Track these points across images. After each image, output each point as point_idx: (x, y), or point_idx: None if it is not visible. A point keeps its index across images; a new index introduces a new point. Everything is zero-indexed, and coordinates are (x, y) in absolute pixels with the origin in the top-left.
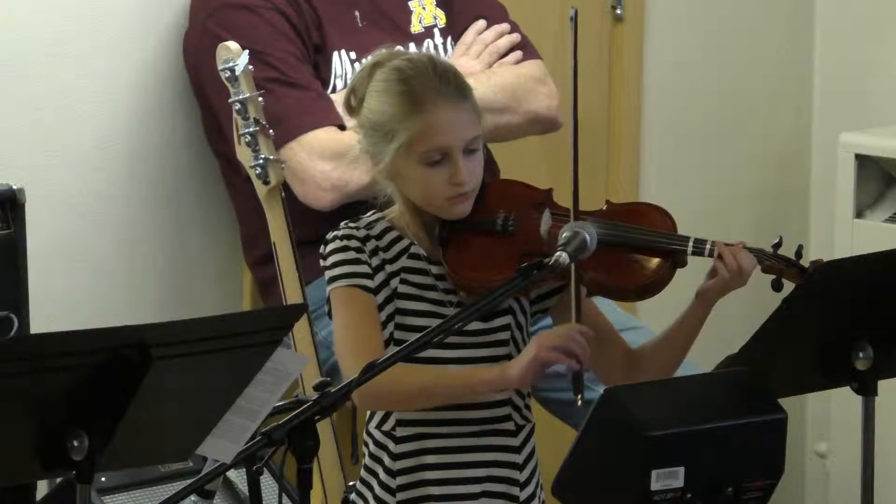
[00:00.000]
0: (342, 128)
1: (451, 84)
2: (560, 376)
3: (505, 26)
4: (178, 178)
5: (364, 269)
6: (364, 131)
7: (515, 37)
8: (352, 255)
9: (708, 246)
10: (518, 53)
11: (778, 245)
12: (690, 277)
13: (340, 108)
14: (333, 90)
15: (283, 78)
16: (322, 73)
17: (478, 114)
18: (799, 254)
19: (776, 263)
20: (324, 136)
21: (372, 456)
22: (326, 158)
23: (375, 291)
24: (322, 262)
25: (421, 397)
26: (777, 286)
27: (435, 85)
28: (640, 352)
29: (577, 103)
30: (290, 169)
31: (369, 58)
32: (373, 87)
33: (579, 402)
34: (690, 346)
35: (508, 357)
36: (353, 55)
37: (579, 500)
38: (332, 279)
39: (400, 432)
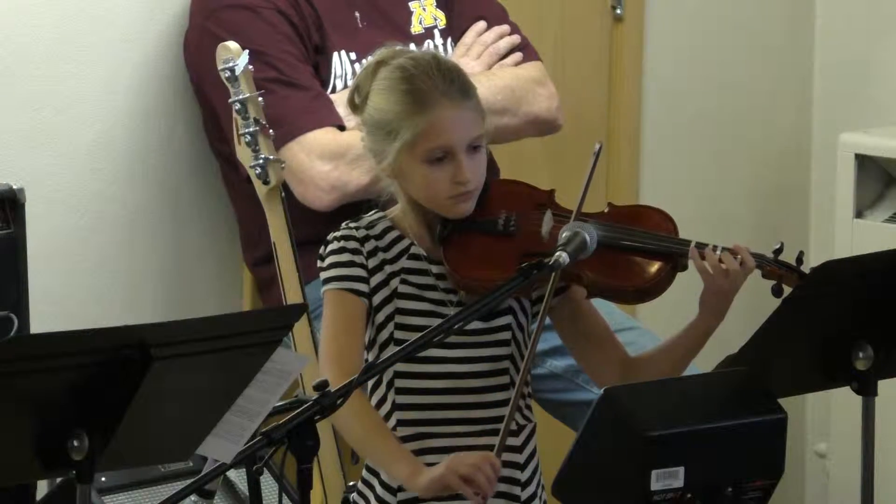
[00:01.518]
0: (342, 128)
1: (454, 83)
2: (557, 377)
3: (505, 28)
4: (178, 178)
5: (358, 272)
6: (367, 129)
7: (515, 38)
8: (346, 257)
9: (708, 250)
10: (518, 55)
11: (779, 251)
12: (691, 280)
13: (342, 108)
14: (333, 90)
15: (282, 78)
16: (322, 73)
17: (481, 113)
18: (800, 260)
19: (776, 269)
20: (323, 137)
21: None
22: (326, 159)
23: (373, 292)
24: (319, 263)
25: (354, 443)
26: (777, 292)
27: (439, 84)
28: (638, 361)
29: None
30: (290, 169)
31: (373, 56)
32: (376, 85)
33: None
34: (692, 358)
35: (509, 357)
36: (353, 56)
37: (579, 500)
38: (326, 280)
39: (401, 432)
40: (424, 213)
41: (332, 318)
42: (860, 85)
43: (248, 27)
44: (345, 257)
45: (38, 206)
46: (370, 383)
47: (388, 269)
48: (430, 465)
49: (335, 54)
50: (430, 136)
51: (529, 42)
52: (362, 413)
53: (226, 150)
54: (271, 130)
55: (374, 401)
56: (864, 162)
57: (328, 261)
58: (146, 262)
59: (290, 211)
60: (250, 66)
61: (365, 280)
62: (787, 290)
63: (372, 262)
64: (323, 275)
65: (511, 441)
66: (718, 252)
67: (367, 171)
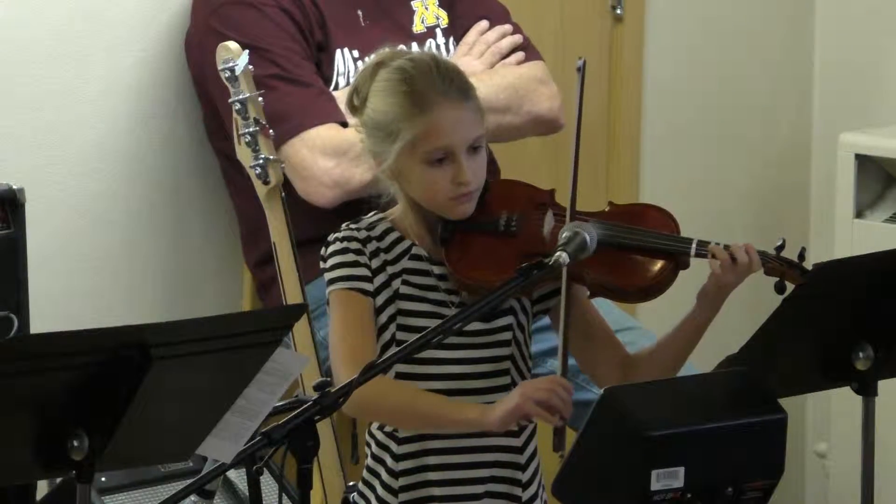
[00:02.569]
0: (344, 125)
1: (454, 84)
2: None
3: (507, 27)
4: (179, 177)
5: (362, 271)
6: (367, 131)
7: (518, 38)
8: (351, 257)
9: (711, 247)
10: (520, 54)
11: (781, 247)
12: (692, 280)
13: (343, 107)
14: (336, 88)
15: (285, 75)
16: (325, 70)
17: (481, 113)
18: (802, 256)
19: (779, 266)
20: (326, 133)
21: (374, 457)
22: (329, 155)
23: (376, 293)
24: (322, 264)
25: (405, 418)
26: (780, 288)
27: (438, 85)
28: (638, 357)
29: (579, 149)
30: (292, 165)
31: (372, 57)
32: (376, 87)
33: (561, 458)
34: (690, 352)
35: (510, 357)
36: (355, 53)
37: (579, 500)
38: (331, 281)
39: (402, 433)
40: (425, 214)
41: (342, 318)
42: (860, 85)
43: (251, 24)
44: (349, 257)
45: (38, 206)
46: None
47: (390, 270)
48: (432, 465)
49: (338, 52)
50: (429, 138)
51: (531, 42)
52: (396, 384)
53: (227, 148)
54: (274, 127)
55: None
56: (864, 162)
57: (332, 261)
58: (146, 262)
59: (290, 210)
60: (250, 66)
61: (370, 279)
62: (790, 286)
63: (374, 263)
64: (328, 275)
65: (512, 441)
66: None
67: (370, 168)
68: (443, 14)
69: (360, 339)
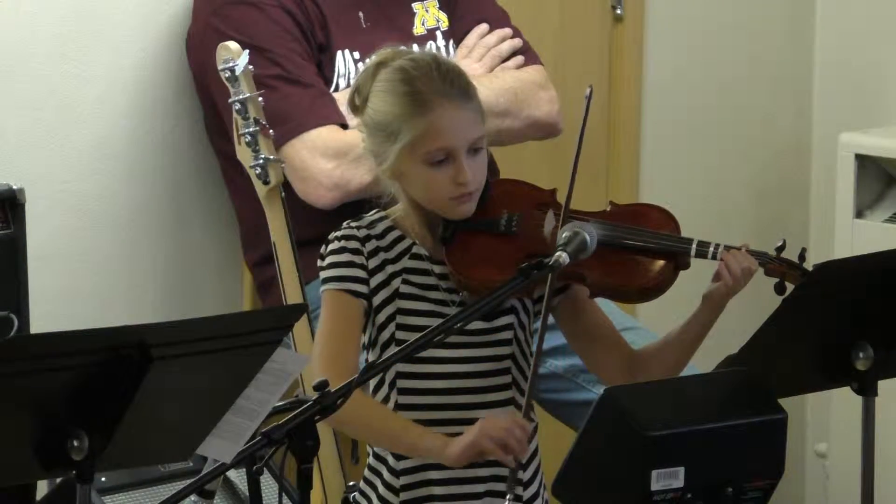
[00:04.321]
0: (345, 126)
1: (454, 84)
2: (558, 377)
3: (507, 31)
4: (179, 177)
5: (357, 272)
6: (368, 131)
7: (517, 42)
8: (346, 257)
9: (711, 248)
10: (520, 58)
11: (781, 248)
12: (693, 279)
13: (344, 107)
14: (336, 89)
15: (286, 75)
16: (325, 71)
17: (481, 113)
18: (802, 257)
19: (779, 266)
20: (326, 135)
21: (376, 455)
22: (329, 157)
23: (374, 292)
24: (319, 262)
25: (366, 433)
26: (780, 289)
27: (438, 85)
28: (643, 354)
29: (577, 166)
30: (292, 167)
31: (373, 57)
32: (376, 87)
33: (507, 501)
34: (695, 350)
35: (511, 356)
36: (356, 55)
37: (579, 500)
38: (325, 280)
39: None
40: (426, 213)
41: (329, 318)
42: (860, 85)
43: (253, 24)
44: (344, 257)
45: (38, 206)
46: (372, 384)
47: (390, 269)
48: (433, 465)
49: (339, 53)
50: (430, 138)
51: (531, 46)
52: (369, 404)
53: (227, 147)
54: (274, 127)
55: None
56: (864, 162)
57: (328, 260)
58: (146, 261)
59: (290, 210)
60: (250, 66)
61: (364, 281)
62: (790, 287)
63: (373, 262)
64: (322, 274)
65: None
66: (721, 250)
67: (370, 170)
68: (443, 17)
69: (342, 344)
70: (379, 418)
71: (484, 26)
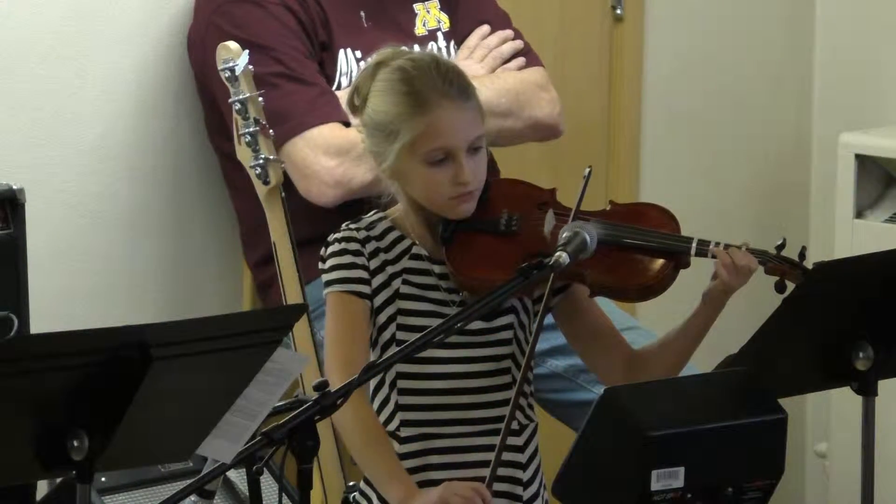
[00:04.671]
0: (347, 124)
1: (454, 84)
2: (558, 377)
3: (508, 32)
4: (179, 177)
5: (359, 273)
6: (367, 131)
7: (519, 43)
8: (348, 258)
9: (711, 247)
10: (521, 60)
11: (781, 246)
12: (693, 278)
13: (344, 107)
14: (338, 88)
15: (288, 73)
16: (327, 70)
17: (481, 113)
18: (802, 255)
19: (779, 265)
20: (328, 133)
21: None
22: (331, 154)
23: (375, 293)
24: (321, 265)
25: (353, 453)
26: (780, 288)
27: (438, 85)
28: (643, 353)
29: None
30: (294, 164)
31: (373, 57)
32: (376, 87)
33: None
34: (695, 349)
35: (511, 356)
36: (358, 54)
37: (579, 500)
38: (328, 283)
39: (404, 432)
40: (426, 213)
41: (336, 320)
42: (860, 85)
43: (254, 22)
44: (346, 259)
45: (38, 206)
46: (373, 384)
47: (390, 269)
48: (434, 465)
49: (341, 52)
50: (430, 138)
51: (532, 48)
52: (365, 424)
53: (228, 146)
54: (276, 126)
55: (377, 402)
56: (864, 162)
57: (329, 262)
58: (146, 262)
59: (290, 209)
60: (250, 66)
61: (366, 282)
62: (791, 286)
63: (373, 264)
64: (325, 277)
65: (513, 440)
66: (721, 249)
67: (372, 168)
68: (444, 18)
69: (352, 345)
70: (364, 439)
71: (485, 27)
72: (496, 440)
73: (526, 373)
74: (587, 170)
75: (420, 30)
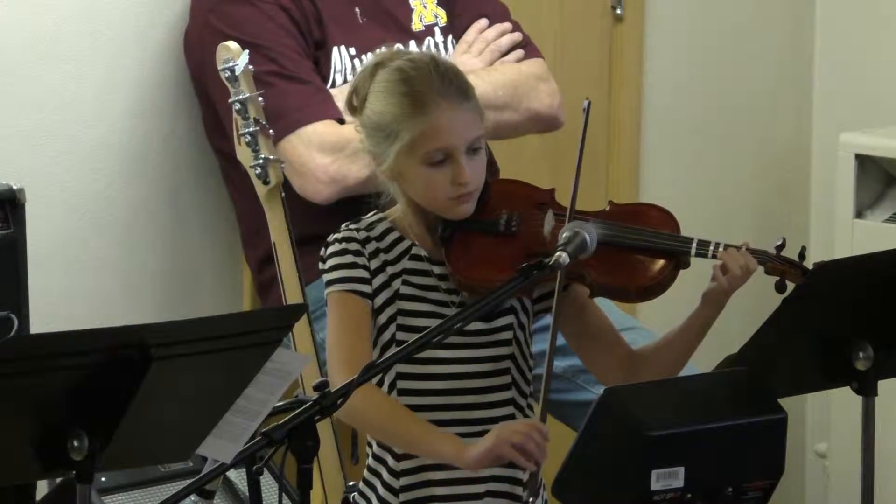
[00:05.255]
0: (341, 122)
1: (453, 84)
2: (558, 377)
3: (507, 25)
4: (178, 177)
5: (360, 273)
6: (366, 131)
7: (517, 35)
8: (349, 258)
9: (711, 248)
10: (520, 52)
11: (781, 246)
12: (693, 279)
13: (341, 103)
14: (333, 85)
15: (283, 72)
16: (322, 68)
17: (480, 113)
18: (802, 255)
19: (779, 265)
20: (323, 130)
21: (375, 456)
22: (325, 152)
23: (375, 293)
24: (321, 265)
25: (386, 436)
26: (781, 288)
27: (437, 85)
28: (642, 353)
29: (578, 181)
30: (289, 162)
31: (371, 57)
32: (375, 88)
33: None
34: (694, 350)
35: (511, 357)
36: (352, 51)
37: (579, 500)
38: (329, 282)
39: None
40: (425, 214)
41: (338, 320)
42: (860, 85)
43: (249, 21)
44: (347, 259)
45: (38, 206)
46: None
47: (390, 270)
48: (433, 465)
49: (335, 49)
50: (429, 138)
51: (531, 40)
52: (385, 402)
53: (226, 147)
54: (271, 125)
55: None
56: (864, 162)
57: (330, 262)
58: (146, 262)
59: (290, 209)
60: (250, 66)
61: (367, 281)
62: (791, 285)
63: (374, 264)
64: (326, 277)
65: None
66: (721, 249)
67: (367, 165)
68: (441, 12)
69: (355, 344)
70: (395, 420)
71: (483, 21)
72: None
73: (551, 368)
74: (586, 102)
75: (417, 25)
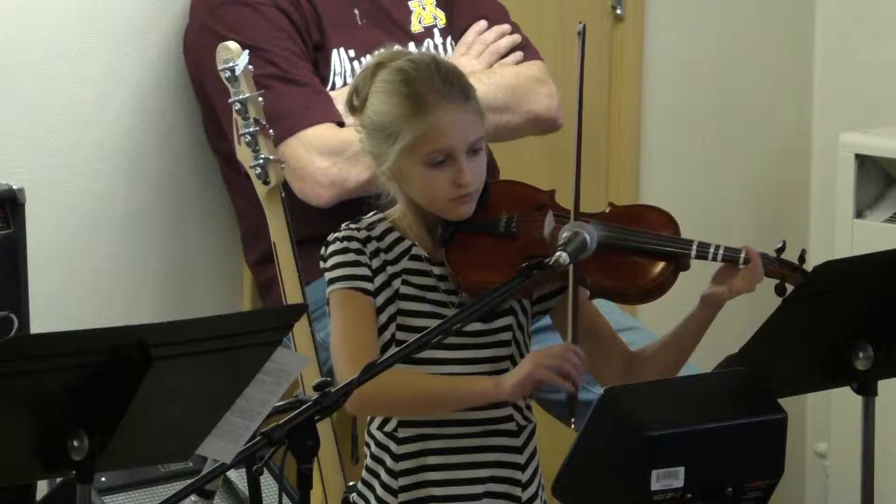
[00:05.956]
0: (341, 124)
1: (454, 85)
2: None
3: (506, 27)
4: (178, 177)
5: (363, 271)
6: (367, 132)
7: (516, 37)
8: (351, 256)
9: (711, 250)
10: (519, 54)
11: (781, 249)
12: (693, 279)
13: (341, 107)
14: (332, 88)
15: (282, 75)
16: (321, 70)
17: (481, 114)
18: (802, 258)
19: (779, 268)
20: (322, 133)
21: (373, 457)
22: (325, 155)
23: (376, 293)
24: (322, 264)
25: (415, 405)
26: (781, 290)
27: (438, 86)
28: (641, 354)
29: (582, 111)
30: (289, 165)
31: (372, 58)
32: (375, 88)
33: (572, 427)
34: (692, 350)
35: (510, 357)
36: (352, 53)
37: (579, 501)
38: (332, 281)
39: (402, 433)
40: (425, 214)
41: (343, 318)
42: (860, 85)
43: (248, 23)
44: (350, 257)
45: (38, 206)
46: None
47: (390, 270)
48: (432, 465)
49: (334, 51)
50: (430, 139)
51: (530, 41)
52: (406, 375)
53: (225, 147)
54: (270, 128)
55: None
56: (864, 162)
57: (332, 261)
58: (146, 262)
59: (290, 209)
60: (250, 66)
61: (370, 279)
62: (790, 288)
63: (374, 263)
64: (328, 275)
65: (511, 442)
66: (721, 252)
67: (367, 168)
68: (440, 14)
69: (362, 339)
70: (420, 386)
71: (482, 23)
72: (495, 441)
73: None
74: (580, 25)
75: (416, 27)
